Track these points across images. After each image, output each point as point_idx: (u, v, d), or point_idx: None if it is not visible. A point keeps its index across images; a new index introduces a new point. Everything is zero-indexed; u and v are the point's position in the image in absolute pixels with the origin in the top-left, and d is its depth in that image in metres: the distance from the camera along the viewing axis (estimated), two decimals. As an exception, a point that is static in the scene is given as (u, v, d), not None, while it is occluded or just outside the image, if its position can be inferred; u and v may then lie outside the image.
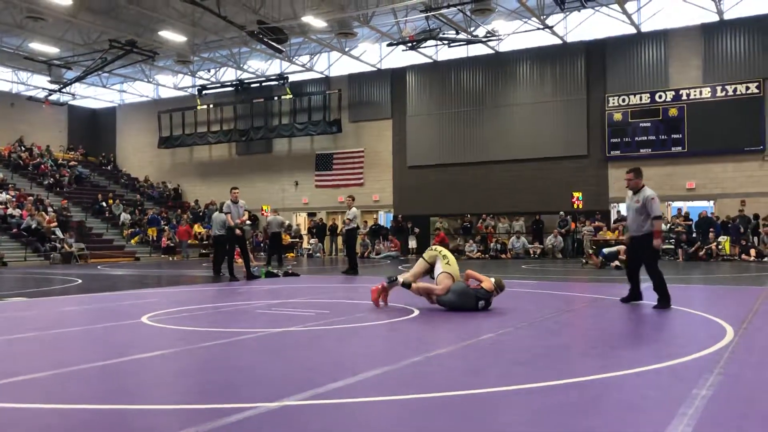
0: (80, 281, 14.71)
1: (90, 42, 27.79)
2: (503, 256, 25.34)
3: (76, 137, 38.55)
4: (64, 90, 33.25)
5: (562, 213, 25.58)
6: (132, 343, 6.37)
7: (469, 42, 26.56)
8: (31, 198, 28.25)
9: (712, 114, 24.06)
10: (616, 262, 17.47)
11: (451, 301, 8.08)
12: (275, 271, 15.90)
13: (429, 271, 8.56)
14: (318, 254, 28.93)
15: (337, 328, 6.99)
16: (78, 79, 30.95)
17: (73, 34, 27.48)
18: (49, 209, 27.75)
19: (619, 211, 25.64)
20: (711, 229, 22.19)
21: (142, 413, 3.82)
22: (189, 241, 30.29)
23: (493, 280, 8.27)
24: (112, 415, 3.74)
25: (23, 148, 34.52)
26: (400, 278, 8.66)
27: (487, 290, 8.14)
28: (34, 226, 25.21)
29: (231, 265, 14.64)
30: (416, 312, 8.10)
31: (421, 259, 8.64)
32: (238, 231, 14.33)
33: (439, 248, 8.77)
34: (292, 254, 28.18)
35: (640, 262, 8.70)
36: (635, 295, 8.83)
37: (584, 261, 19.24)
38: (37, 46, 28.39)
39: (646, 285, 8.84)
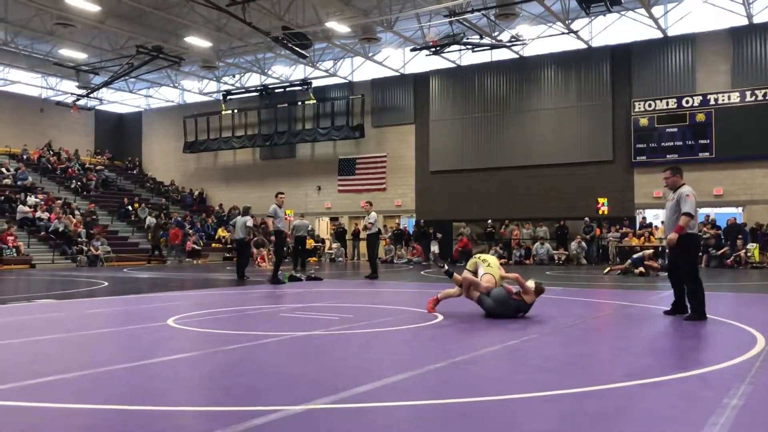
0: (106, 284, 14.90)
1: (117, 48, 28.22)
2: (527, 261, 25.17)
3: (103, 142, 39.14)
4: (91, 95, 33.76)
5: (587, 219, 25.35)
6: (158, 345, 6.43)
7: (493, 47, 26.47)
8: (59, 201, 28.70)
9: (741, 119, 23.69)
10: (641, 268, 17.27)
11: (490, 307, 8.02)
12: (298, 275, 15.95)
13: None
14: (340, 259, 28.98)
15: (361, 333, 6.99)
16: (105, 85, 31.39)
17: (101, 40, 27.92)
18: (76, 212, 28.17)
19: (644, 218, 25.34)
20: (739, 236, 21.84)
21: (168, 414, 3.85)
22: (213, 245, 30.54)
23: (532, 286, 8.15)
24: (139, 416, 3.78)
25: (52, 153, 35.12)
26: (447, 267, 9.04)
27: (527, 303, 8.06)
28: (61, 229, 25.61)
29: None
30: (440, 317, 8.07)
31: (465, 271, 8.49)
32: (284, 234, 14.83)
33: (481, 255, 8.83)
34: (314, 258, 28.26)
35: (679, 268, 8.09)
36: (680, 307, 8.12)
37: (608, 269, 19.01)
38: (66, 52, 28.89)
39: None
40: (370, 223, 16.31)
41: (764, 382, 4.52)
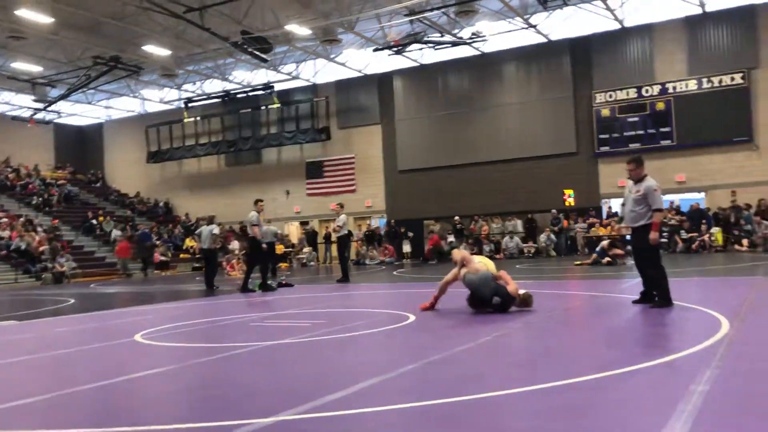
0: (73, 301, 14.60)
1: (73, 59, 27.67)
2: (497, 256, 25.34)
3: (64, 155, 38.35)
4: (49, 108, 33.06)
5: (554, 211, 25.61)
6: (126, 362, 6.31)
7: (454, 44, 26.58)
8: (21, 219, 28.06)
9: (700, 106, 24.16)
10: (607, 258, 17.56)
11: (471, 280, 8.17)
12: (270, 282, 15.81)
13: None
14: (312, 263, 28.85)
15: (334, 338, 6.95)
16: (63, 97, 30.78)
17: (56, 51, 27.35)
18: (39, 229, 27.58)
19: (610, 207, 25.71)
20: (703, 221, 22.28)
21: (137, 435, 3.77)
22: (181, 255, 30.16)
23: (522, 292, 8.20)
24: (107, 439, 3.69)
25: (10, 169, 34.32)
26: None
27: (509, 292, 8.07)
28: (23, 247, 25.04)
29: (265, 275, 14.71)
30: (412, 318, 8.07)
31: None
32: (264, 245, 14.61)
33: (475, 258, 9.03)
34: (286, 264, 28.09)
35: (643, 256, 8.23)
36: (648, 296, 8.20)
37: (579, 262, 19.22)
38: (20, 65, 28.23)
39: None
40: (338, 226, 16.20)
41: (729, 366, 4.60)
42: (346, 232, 16.44)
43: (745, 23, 23.84)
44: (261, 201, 15.27)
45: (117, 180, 38.26)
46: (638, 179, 8.20)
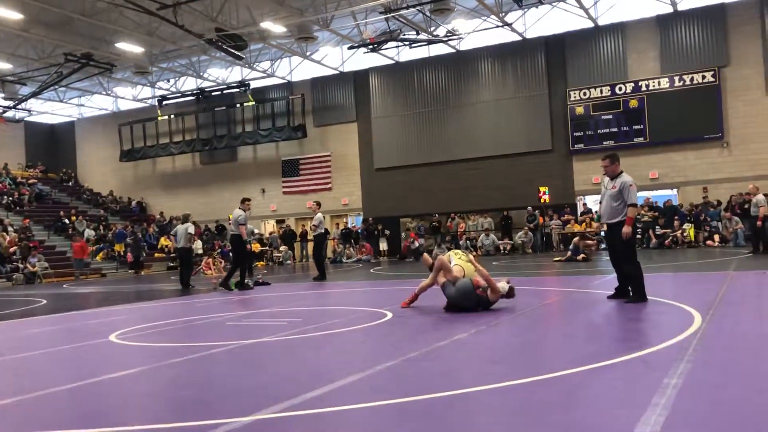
0: (45, 301, 14.37)
1: (44, 56, 27.20)
2: (474, 253, 25.45)
3: (35, 154, 37.69)
4: (19, 106, 32.49)
5: (530, 208, 25.79)
6: (100, 363, 6.22)
7: (429, 42, 26.64)
8: (-10, 218, 27.53)
9: (671, 104, 24.50)
10: (582, 254, 17.76)
11: (451, 296, 8.08)
12: (246, 281, 15.71)
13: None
14: (288, 261, 28.73)
15: (311, 336, 6.92)
16: (34, 95, 30.26)
17: (27, 48, 26.87)
18: (9, 229, 27.09)
19: (585, 204, 25.96)
20: (676, 217, 22.61)
21: (112, 436, 3.72)
22: (156, 254, 29.85)
23: (504, 288, 8.20)
24: (81, 441, 3.64)
25: (-20, 168, 33.66)
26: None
27: (489, 300, 8.07)
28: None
29: (243, 274, 14.58)
30: (389, 315, 8.07)
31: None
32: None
33: (452, 249, 9.00)
34: (262, 263, 27.94)
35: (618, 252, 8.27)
36: (622, 291, 8.30)
37: (558, 258, 19.37)
38: (-11, 63, 27.71)
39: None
40: (314, 225, 16.16)
41: (701, 359, 4.68)
42: (323, 230, 16.39)
43: (715, 22, 24.23)
44: (249, 200, 15.24)
45: (90, 179, 37.72)
46: (614, 175, 8.23)
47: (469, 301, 7.98)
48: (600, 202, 8.50)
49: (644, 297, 7.91)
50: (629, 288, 8.22)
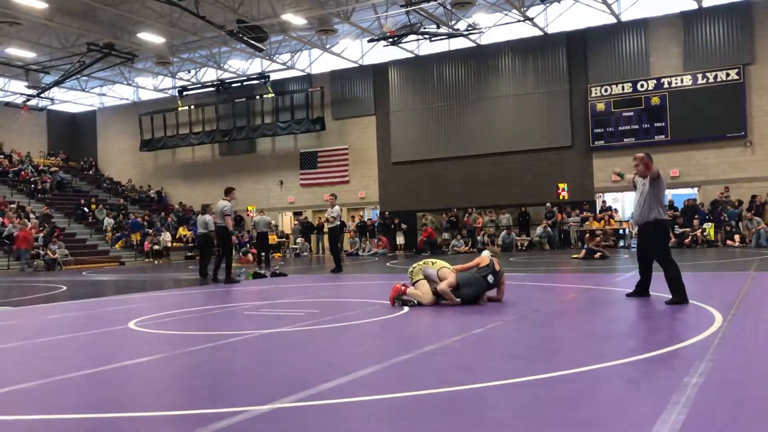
0: (65, 288, 14.55)
1: (67, 45, 27.48)
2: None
3: (57, 142, 38.15)
4: (42, 95, 32.86)
5: (548, 204, 25.64)
6: (119, 349, 6.29)
7: (450, 36, 26.53)
8: (13, 206, 27.91)
9: (694, 101, 24.22)
10: (598, 253, 17.64)
11: (467, 294, 8.05)
12: (263, 271, 15.81)
13: (429, 281, 8.37)
14: (305, 253, 28.83)
15: (328, 328, 6.95)
16: (56, 84, 30.59)
17: (50, 37, 27.15)
18: (32, 216, 27.44)
19: (604, 201, 25.77)
20: (696, 216, 22.36)
21: (131, 421, 3.76)
22: (174, 244, 30.09)
23: (487, 254, 8.35)
24: (101, 424, 3.68)
25: (3, 155, 34.10)
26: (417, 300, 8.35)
27: (485, 266, 8.15)
28: (16, 233, 24.89)
29: (218, 267, 14.55)
30: (406, 309, 8.07)
31: (418, 282, 8.34)
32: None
33: (414, 265, 8.56)
34: (279, 254, 28.07)
35: (649, 254, 8.03)
36: (642, 290, 8.17)
37: (575, 256, 19.26)
38: (14, 51, 28.03)
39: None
40: (332, 216, 16.17)
41: (723, 359, 4.62)
42: (339, 223, 16.42)
43: (740, 19, 23.87)
44: (233, 190, 14.88)
45: (110, 168, 38.09)
46: (644, 175, 8.03)
47: (480, 283, 8.10)
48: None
49: (685, 298, 7.50)
50: (649, 288, 8.13)
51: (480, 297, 8.16)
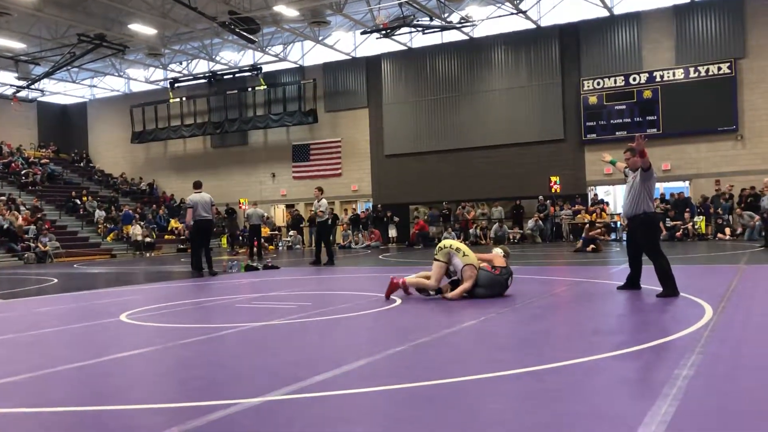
0: (56, 281, 14.49)
1: (58, 37, 27.27)
2: (482, 242, 25.43)
3: (47, 134, 37.89)
4: (32, 87, 32.61)
5: (541, 197, 25.70)
6: (111, 342, 6.27)
7: (443, 28, 26.49)
8: (3, 198, 27.73)
9: (686, 95, 24.29)
10: (591, 246, 17.71)
11: (484, 295, 7.96)
12: (255, 264, 15.79)
13: (446, 269, 8.19)
14: (298, 246, 28.81)
15: (320, 320, 6.95)
16: (46, 75, 30.37)
17: (40, 28, 26.93)
18: (22, 208, 27.28)
19: (596, 194, 25.85)
20: (687, 210, 22.47)
21: (123, 414, 3.75)
22: (166, 236, 30.00)
23: (500, 251, 8.30)
24: (93, 417, 3.67)
25: (-7, 147, 33.87)
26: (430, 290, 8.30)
27: (503, 266, 8.12)
28: (6, 226, 24.76)
29: (201, 259, 14.45)
30: (399, 301, 8.08)
31: (436, 261, 8.14)
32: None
33: (450, 243, 8.26)
34: (272, 247, 28.03)
35: (639, 247, 8.05)
36: (633, 283, 8.24)
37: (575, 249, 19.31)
38: (3, 42, 27.78)
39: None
40: (320, 211, 16.14)
41: (713, 352, 4.65)
42: (327, 217, 16.39)
43: (732, 13, 23.94)
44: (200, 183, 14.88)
45: (101, 160, 37.90)
46: (635, 168, 7.99)
47: (499, 286, 8.06)
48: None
49: (675, 291, 7.54)
50: (640, 281, 8.18)
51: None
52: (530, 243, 24.52)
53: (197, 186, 14.54)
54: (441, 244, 8.35)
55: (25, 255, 23.83)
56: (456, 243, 8.30)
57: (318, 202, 16.21)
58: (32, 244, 24.40)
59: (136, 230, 27.12)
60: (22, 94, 33.58)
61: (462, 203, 27.38)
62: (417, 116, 29.04)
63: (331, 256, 16.19)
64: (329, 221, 17.00)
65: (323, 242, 16.48)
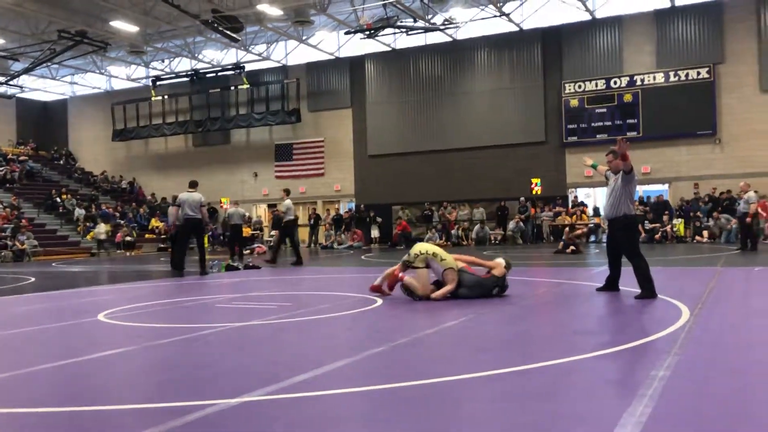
0: (33, 279, 14.32)
1: (38, 32, 26.93)
2: (464, 243, 25.52)
3: (26, 131, 37.41)
4: (11, 83, 32.19)
5: (522, 199, 25.84)
6: (89, 342, 6.21)
7: (426, 30, 26.54)
8: (-21, 195, 27.35)
9: (666, 99, 24.55)
10: (572, 247, 17.85)
11: (466, 296, 7.97)
12: (236, 264, 15.71)
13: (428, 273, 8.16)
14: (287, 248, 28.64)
15: (300, 321, 6.93)
16: (26, 71, 30.00)
17: (20, 24, 26.58)
18: (0, 206, 26.92)
19: (576, 197, 26.04)
20: (666, 212, 22.71)
21: (100, 415, 3.71)
22: (146, 235, 29.76)
23: (502, 262, 8.26)
24: (69, 418, 3.63)
25: (-30, 144, 33.38)
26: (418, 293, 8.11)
27: (498, 276, 8.10)
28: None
29: (184, 258, 14.38)
30: (379, 302, 8.08)
31: (416, 269, 8.04)
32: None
33: (426, 248, 8.18)
34: (262, 247, 27.84)
35: (619, 249, 8.11)
36: (612, 284, 8.29)
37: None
38: (-18, 37, 27.41)
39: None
40: (282, 212, 16.43)
41: (689, 353, 4.71)
42: (293, 217, 16.60)
43: (712, 18, 24.25)
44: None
45: (81, 157, 37.50)
46: (617, 171, 8.05)
47: (484, 290, 8.02)
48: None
49: (653, 293, 7.60)
50: (619, 282, 8.26)
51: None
52: (511, 244, 24.64)
53: (192, 185, 14.48)
54: (415, 251, 8.16)
55: (2, 253, 23.51)
56: (431, 248, 8.24)
57: (283, 202, 16.43)
58: (9, 243, 24.08)
59: (100, 228, 26.58)
60: (1, 90, 33.13)
61: (444, 203, 27.45)
62: (400, 117, 29.07)
63: (299, 256, 16.41)
64: (295, 221, 17.26)
65: (290, 242, 16.77)
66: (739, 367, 4.42)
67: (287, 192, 17.06)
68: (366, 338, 6.00)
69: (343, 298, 8.72)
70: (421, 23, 25.90)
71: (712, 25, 24.26)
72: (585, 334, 5.87)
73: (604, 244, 12.06)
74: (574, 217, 23.94)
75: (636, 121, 25.03)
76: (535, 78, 26.80)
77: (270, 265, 15.85)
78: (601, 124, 25.56)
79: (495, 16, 25.74)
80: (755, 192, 17.14)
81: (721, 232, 21.47)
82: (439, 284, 8.13)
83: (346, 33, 27.07)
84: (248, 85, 31.06)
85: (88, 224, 28.85)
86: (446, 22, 25.93)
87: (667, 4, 24.77)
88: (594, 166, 8.92)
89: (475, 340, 5.68)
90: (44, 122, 38.32)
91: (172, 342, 5.87)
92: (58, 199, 30.50)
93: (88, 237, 28.18)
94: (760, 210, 18.02)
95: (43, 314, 8.54)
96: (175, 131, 33.65)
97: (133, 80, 34.76)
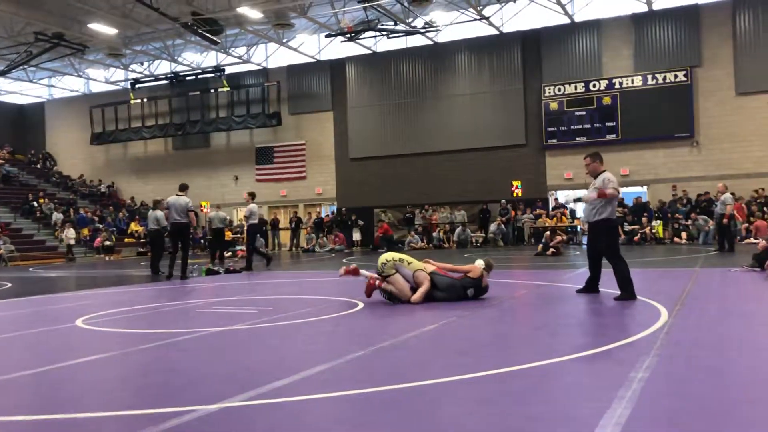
0: (10, 285, 14.10)
1: (14, 34, 26.55)
2: (445, 246, 25.57)
3: (2, 135, 36.84)
4: (-13, 85, 31.74)
5: (503, 201, 25.96)
6: (66, 348, 6.13)
7: (407, 33, 26.60)
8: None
9: (644, 102, 24.81)
10: (551, 249, 17.95)
11: (444, 298, 7.99)
12: (216, 268, 15.61)
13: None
14: (262, 249, 28.47)
15: (280, 325, 6.89)
16: (1, 74, 29.57)
17: (-5, 26, 26.22)
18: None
19: (557, 199, 26.21)
20: (645, 214, 22.93)
21: (77, 422, 3.66)
22: (126, 240, 29.46)
23: (481, 263, 8.25)
24: (45, 426, 3.58)
25: (-56, 147, 32.85)
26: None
27: (473, 278, 8.10)
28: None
29: (173, 263, 14.27)
30: (360, 305, 8.07)
31: (391, 276, 8.08)
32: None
33: (392, 256, 8.27)
34: (242, 251, 27.67)
35: (599, 251, 8.18)
36: (592, 286, 8.36)
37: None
38: (-44, 40, 26.99)
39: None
40: (245, 217, 16.33)
41: (667, 354, 4.75)
42: (256, 221, 16.53)
43: (689, 22, 24.56)
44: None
45: (59, 161, 37.03)
46: (596, 174, 8.13)
47: (458, 290, 8.02)
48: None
49: (633, 294, 7.68)
50: (599, 284, 8.33)
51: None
52: (492, 246, 24.73)
53: (182, 189, 14.41)
54: (382, 260, 8.20)
55: (-22, 258, 23.14)
56: (396, 255, 8.37)
57: (247, 206, 16.45)
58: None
59: (69, 233, 26.16)
60: (-24, 93, 32.66)
61: (425, 206, 27.49)
62: (381, 120, 29.09)
63: (251, 262, 16.17)
64: (259, 225, 17.23)
65: (247, 245, 16.76)
66: (716, 366, 4.46)
67: (252, 195, 16.69)
68: (346, 342, 5.98)
69: (323, 302, 8.69)
70: (401, 26, 25.95)
71: (689, 29, 24.57)
72: (564, 335, 5.90)
73: (584, 247, 12.16)
74: (555, 219, 24.08)
75: (615, 123, 25.27)
76: (515, 81, 26.95)
77: (247, 272, 15.66)
78: (580, 126, 25.77)
79: (475, 20, 25.86)
80: (732, 194, 17.37)
81: (699, 233, 21.73)
82: (414, 290, 8.14)
83: (327, 36, 27.05)
84: (228, 88, 30.90)
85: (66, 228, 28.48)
86: (427, 26, 26.02)
87: (645, 9, 25.05)
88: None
89: (456, 343, 5.69)
90: (21, 126, 37.81)
91: (150, 348, 5.80)
92: (35, 204, 30.10)
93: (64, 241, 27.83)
94: (735, 212, 18.24)
95: (19, 320, 8.41)
96: (154, 134, 33.38)
97: (112, 83, 34.43)
